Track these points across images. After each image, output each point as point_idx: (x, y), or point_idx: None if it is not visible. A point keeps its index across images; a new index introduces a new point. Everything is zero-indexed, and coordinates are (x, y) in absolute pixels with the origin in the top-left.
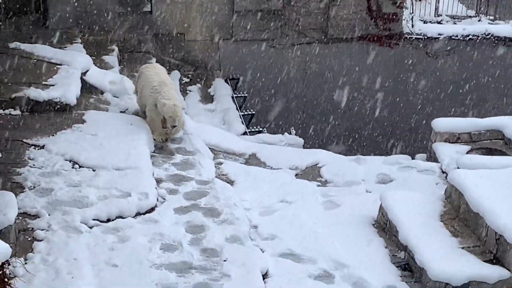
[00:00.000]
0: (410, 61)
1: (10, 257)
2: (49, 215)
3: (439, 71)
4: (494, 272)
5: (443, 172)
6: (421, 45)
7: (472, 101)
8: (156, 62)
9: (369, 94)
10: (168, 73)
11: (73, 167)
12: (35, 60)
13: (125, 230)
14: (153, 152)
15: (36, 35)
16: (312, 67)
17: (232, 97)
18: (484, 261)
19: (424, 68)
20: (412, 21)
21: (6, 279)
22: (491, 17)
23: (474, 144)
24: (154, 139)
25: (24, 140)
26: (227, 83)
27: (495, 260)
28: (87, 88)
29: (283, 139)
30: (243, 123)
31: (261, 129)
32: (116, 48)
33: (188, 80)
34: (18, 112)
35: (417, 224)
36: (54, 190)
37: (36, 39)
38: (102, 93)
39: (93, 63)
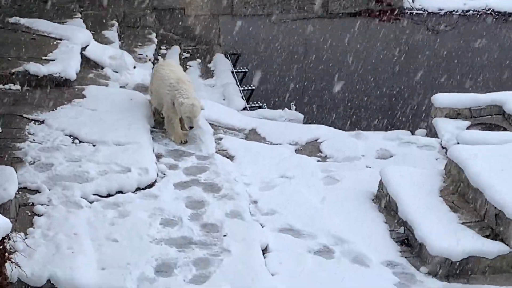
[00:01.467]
0: (411, 36)
1: (10, 232)
2: (49, 190)
3: (439, 46)
4: (494, 247)
5: (443, 148)
6: (421, 20)
7: (473, 77)
8: (156, 37)
9: (369, 69)
10: (168, 48)
11: (73, 142)
12: (34, 35)
13: (125, 205)
14: (153, 127)
15: (36, 9)
16: (312, 42)
17: (232, 72)
18: (484, 236)
19: (424, 43)
20: None
21: (6, 254)
22: None
23: (474, 120)
24: (172, 141)
25: (24, 115)
26: (227, 58)
27: (495, 235)
28: (87, 63)
29: (283, 114)
30: (243, 98)
31: (261, 104)
32: (116, 23)
33: (188, 55)
34: (18, 87)
35: (417, 199)
36: (54, 165)
37: (36, 14)
38: (102, 68)
39: (93, 38)
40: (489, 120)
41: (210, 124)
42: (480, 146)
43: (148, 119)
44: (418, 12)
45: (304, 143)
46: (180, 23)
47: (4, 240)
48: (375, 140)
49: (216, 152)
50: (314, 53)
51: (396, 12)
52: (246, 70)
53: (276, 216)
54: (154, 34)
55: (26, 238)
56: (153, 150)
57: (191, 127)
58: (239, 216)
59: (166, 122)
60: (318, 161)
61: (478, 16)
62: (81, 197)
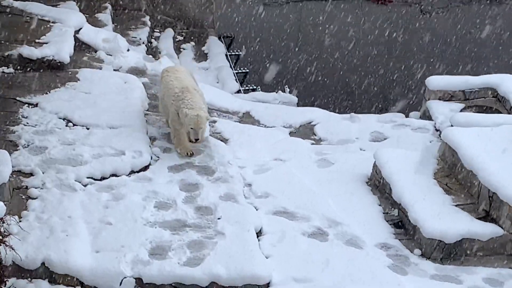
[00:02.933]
0: (404, 18)
1: (4, 215)
2: (43, 173)
3: (433, 28)
4: (487, 229)
5: (437, 130)
6: (415, 2)
7: (466, 59)
8: (150, 20)
9: (363, 51)
10: (161, 31)
11: (67, 125)
12: (28, 18)
13: (119, 188)
14: (147, 110)
15: None
16: (306, 25)
17: (226, 55)
18: (477, 218)
19: (418, 25)
20: None
21: (0, 237)
22: None
23: (468, 102)
24: (178, 153)
25: (18, 98)
26: (221, 41)
27: (488, 217)
28: (81, 46)
29: (277, 97)
30: (237, 81)
31: (255, 87)
32: (110, 6)
33: (182, 38)
34: (11, 70)
35: (411, 182)
36: (48, 148)
37: None
38: (95, 51)
39: (86, 21)
40: (483, 102)
41: None
42: (473, 128)
43: (142, 102)
44: None
45: (298, 126)
46: (174, 5)
47: None
48: (369, 122)
49: (210, 135)
50: (308, 36)
51: None
52: (240, 53)
53: (270, 199)
54: (147, 17)
55: (20, 221)
56: (147, 133)
57: (196, 139)
58: (233, 199)
59: (172, 133)
60: (312, 144)
61: None
62: (75, 180)
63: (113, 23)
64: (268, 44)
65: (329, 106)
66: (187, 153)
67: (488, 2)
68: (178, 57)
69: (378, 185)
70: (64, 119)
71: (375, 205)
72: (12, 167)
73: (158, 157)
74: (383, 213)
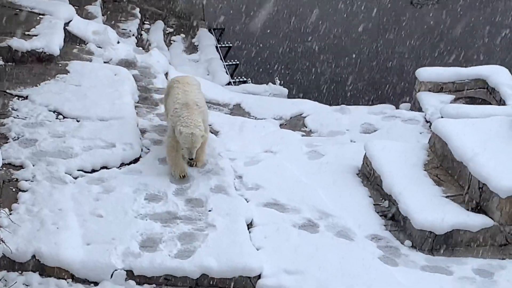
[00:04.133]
0: (395, 9)
1: None
2: (33, 165)
3: (423, 20)
4: (477, 221)
5: (427, 122)
6: None
7: (456, 50)
8: (140, 12)
9: (353, 43)
10: (151, 23)
11: (57, 118)
12: (17, 10)
13: (110, 181)
14: (137, 103)
15: None
16: (296, 15)
17: (216, 47)
18: (468, 209)
19: (408, 17)
20: None
21: None
22: None
23: (458, 94)
24: (172, 175)
25: (7, 91)
26: (211, 33)
27: (479, 208)
28: (70, 39)
29: (268, 89)
30: (227, 73)
31: (245, 79)
32: None
33: (172, 30)
34: (0, 62)
35: (401, 173)
36: (38, 140)
37: None
38: (85, 43)
39: (76, 13)
40: (473, 94)
41: None
42: (464, 119)
43: (132, 94)
44: None
45: (288, 117)
46: None
47: None
48: (360, 114)
49: None
50: (298, 26)
51: None
52: (230, 45)
53: (260, 191)
54: (137, 9)
55: (10, 214)
56: (137, 125)
57: (190, 159)
58: (224, 191)
59: (167, 150)
60: (303, 135)
61: None
62: (66, 173)
63: (103, 15)
64: (259, 35)
65: (319, 98)
66: (180, 175)
67: None
68: (168, 49)
69: (369, 176)
70: (54, 112)
71: (365, 197)
72: (2, 159)
73: (148, 149)
74: (374, 204)
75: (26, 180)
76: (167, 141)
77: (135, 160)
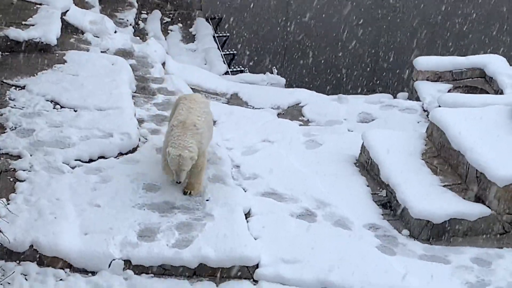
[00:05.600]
0: None
1: None
2: (31, 155)
3: (421, 7)
4: (475, 210)
5: (425, 111)
6: None
7: (454, 39)
8: (137, 1)
9: (350, 31)
10: (148, 12)
11: (54, 108)
12: (14, 0)
13: (108, 170)
14: (135, 92)
15: None
16: (293, 5)
17: (214, 36)
18: (465, 198)
19: (405, 5)
20: None
21: None
22: None
23: (455, 83)
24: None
25: (5, 81)
26: (209, 22)
27: (476, 197)
28: (68, 28)
29: (265, 78)
30: (224, 63)
31: (242, 68)
32: None
33: (169, 19)
34: None
35: (399, 162)
36: (35, 130)
37: None
38: (82, 33)
39: (73, 3)
40: (471, 82)
41: (192, 88)
42: (461, 109)
43: (130, 84)
44: None
45: (286, 107)
46: None
47: None
48: (357, 103)
49: None
50: (295, 17)
51: None
52: (227, 34)
53: (258, 180)
54: None
55: (8, 203)
56: (135, 115)
57: (178, 182)
58: (221, 180)
59: (162, 163)
60: (300, 125)
61: None
62: (63, 163)
63: (100, 4)
64: (256, 25)
65: (317, 87)
66: (185, 192)
67: None
68: (165, 39)
69: (366, 166)
70: (51, 102)
71: (363, 186)
72: (0, 149)
73: (146, 139)
74: (371, 193)
75: (23, 170)
76: (162, 153)
77: (133, 150)
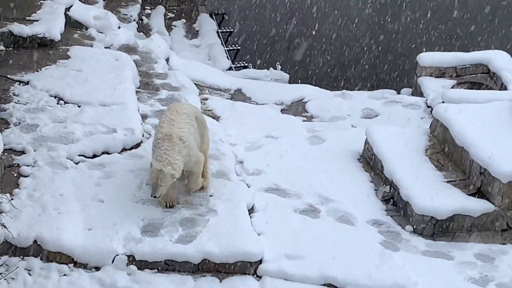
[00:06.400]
0: None
1: None
2: (34, 151)
3: (425, 3)
4: (478, 205)
5: (428, 107)
6: None
7: (459, 34)
8: None
9: (354, 27)
10: (152, 8)
11: (58, 103)
12: None
13: (111, 166)
14: (138, 88)
15: None
16: (297, 1)
17: (217, 32)
18: (469, 194)
19: (409, 1)
20: None
21: None
22: None
23: (459, 79)
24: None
25: (9, 76)
26: (212, 18)
27: (479, 193)
28: (71, 24)
29: (269, 74)
30: (228, 59)
31: (246, 64)
32: None
33: (173, 15)
34: (2, 48)
35: (402, 158)
36: (39, 126)
37: None
38: (86, 28)
39: None
40: (474, 78)
41: (195, 84)
42: (465, 104)
43: (133, 80)
44: None
45: (289, 103)
46: None
47: None
48: (361, 99)
49: (202, 112)
50: (299, 11)
51: None
52: (231, 30)
53: (262, 176)
54: None
55: (12, 199)
56: (138, 110)
57: (154, 196)
58: (225, 176)
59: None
60: (304, 121)
61: None
62: (67, 158)
63: (103, 0)
64: (260, 20)
65: (320, 83)
66: (166, 204)
67: None
68: (169, 35)
69: (370, 162)
70: (55, 97)
71: (366, 182)
72: (4, 145)
73: (149, 134)
74: (375, 189)
75: (27, 166)
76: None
77: (136, 146)
